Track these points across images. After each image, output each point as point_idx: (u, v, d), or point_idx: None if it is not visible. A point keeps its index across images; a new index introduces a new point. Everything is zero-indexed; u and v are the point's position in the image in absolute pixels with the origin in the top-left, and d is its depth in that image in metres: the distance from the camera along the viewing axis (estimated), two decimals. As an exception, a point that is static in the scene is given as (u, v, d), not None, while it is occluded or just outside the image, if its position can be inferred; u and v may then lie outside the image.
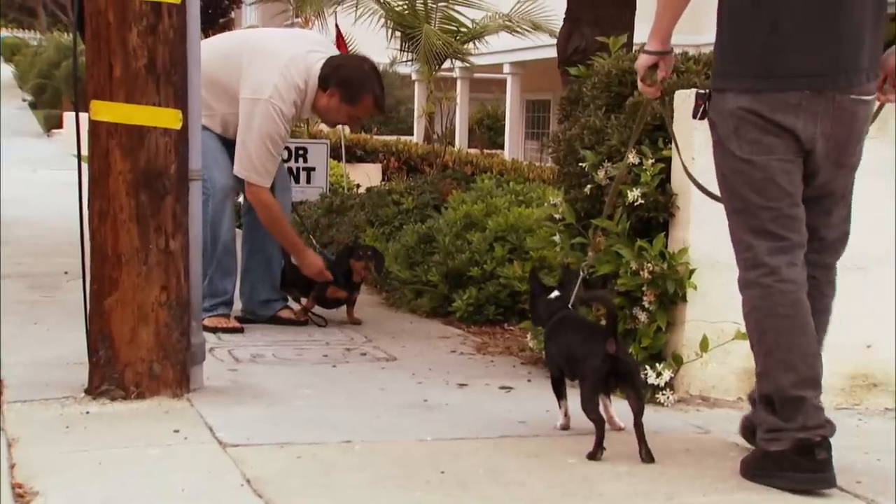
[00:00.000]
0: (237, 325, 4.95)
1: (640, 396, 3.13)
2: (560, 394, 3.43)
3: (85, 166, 3.66)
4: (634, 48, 4.48)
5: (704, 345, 3.77)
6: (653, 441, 3.34)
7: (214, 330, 4.78)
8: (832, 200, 3.00)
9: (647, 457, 3.09)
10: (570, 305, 3.42)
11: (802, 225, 2.93)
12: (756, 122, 2.87)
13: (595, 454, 3.11)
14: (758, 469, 2.92)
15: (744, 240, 2.96)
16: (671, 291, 3.77)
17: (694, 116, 3.04)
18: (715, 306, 3.81)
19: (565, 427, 3.43)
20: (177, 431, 3.24)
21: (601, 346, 3.07)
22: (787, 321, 2.87)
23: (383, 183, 10.04)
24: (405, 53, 11.19)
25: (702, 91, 3.06)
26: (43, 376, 3.84)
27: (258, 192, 4.87)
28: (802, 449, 2.84)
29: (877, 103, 2.97)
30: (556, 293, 3.49)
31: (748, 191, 2.92)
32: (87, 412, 3.43)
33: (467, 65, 12.79)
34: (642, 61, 3.15)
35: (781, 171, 2.89)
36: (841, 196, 3.01)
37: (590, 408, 3.13)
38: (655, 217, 3.87)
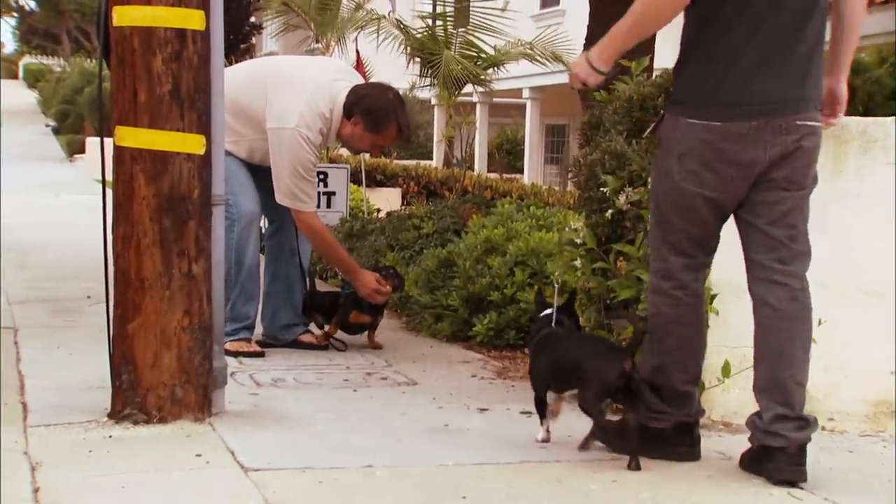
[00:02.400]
0: (258, 349, 4.96)
1: (643, 414, 3.29)
2: (543, 413, 3.58)
3: (109, 191, 3.69)
4: (655, 73, 4.49)
5: (726, 370, 3.75)
6: (674, 466, 3.33)
7: (236, 354, 4.79)
8: (791, 218, 3.20)
9: (635, 466, 3.29)
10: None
11: (713, 247, 3.32)
12: (702, 152, 3.14)
13: (587, 445, 3.34)
14: (635, 441, 3.31)
15: (661, 252, 3.32)
16: (692, 317, 3.75)
17: (648, 133, 3.36)
18: (736, 331, 3.79)
19: (546, 440, 3.56)
20: (199, 455, 3.25)
21: (618, 363, 3.21)
22: (689, 329, 3.33)
23: (403, 207, 10.06)
24: (425, 78, 11.24)
25: (661, 113, 3.31)
26: (66, 400, 3.85)
27: (305, 218, 4.89)
28: (684, 428, 3.37)
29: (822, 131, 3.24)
30: (546, 311, 3.66)
31: (674, 213, 3.25)
32: (110, 436, 3.44)
33: (487, 90, 12.83)
34: (592, 80, 3.29)
35: (706, 205, 3.20)
36: (799, 214, 3.22)
37: (594, 411, 3.31)
38: (677, 242, 3.85)
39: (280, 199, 4.87)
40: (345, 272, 5.19)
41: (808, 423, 3.18)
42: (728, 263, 3.78)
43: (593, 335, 3.91)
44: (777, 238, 3.19)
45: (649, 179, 3.76)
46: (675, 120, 3.19)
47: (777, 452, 3.16)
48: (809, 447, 3.21)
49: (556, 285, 3.88)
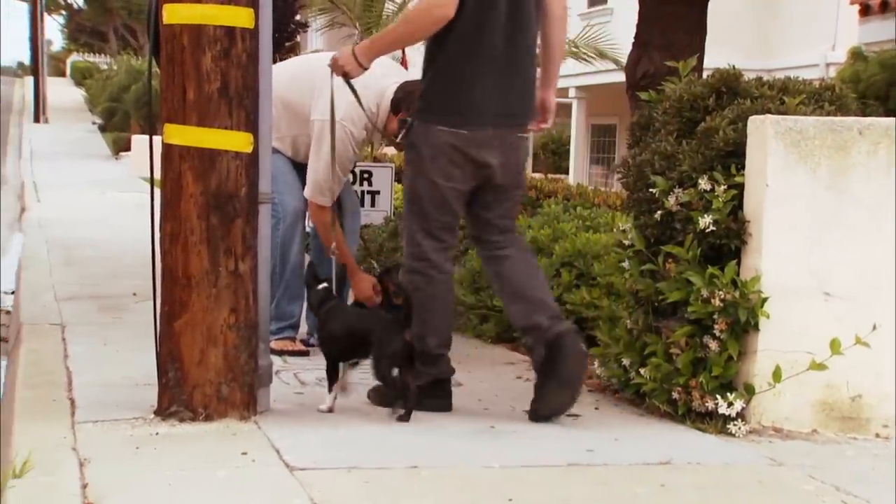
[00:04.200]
0: (303, 348, 4.99)
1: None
2: (333, 382, 3.90)
3: (156, 189, 3.73)
4: (706, 73, 4.46)
5: (777, 375, 3.72)
6: (723, 473, 3.31)
7: (280, 353, 4.82)
8: (507, 207, 4.01)
9: (406, 418, 3.75)
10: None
11: (457, 232, 4.02)
12: (451, 154, 3.82)
13: (407, 417, 3.75)
14: (414, 398, 3.81)
15: (416, 237, 3.93)
16: (743, 320, 3.73)
17: (400, 139, 3.94)
18: (788, 336, 3.76)
19: (330, 410, 3.86)
20: (244, 454, 3.27)
21: (401, 334, 3.74)
22: (441, 302, 3.94)
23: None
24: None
25: (407, 119, 3.96)
26: (113, 397, 3.90)
27: (320, 212, 4.90)
28: (438, 384, 3.95)
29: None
30: (324, 284, 4.06)
31: (429, 205, 3.88)
32: (157, 433, 3.48)
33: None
34: (354, 73, 3.97)
35: (455, 197, 3.89)
36: (513, 204, 4.05)
37: (389, 379, 3.77)
38: (727, 244, 3.83)
39: (305, 190, 4.89)
40: (348, 269, 5.12)
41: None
42: (779, 266, 3.76)
43: (372, 309, 4.31)
44: (503, 225, 4.00)
45: (700, 181, 3.75)
46: (426, 127, 3.84)
47: (565, 335, 3.84)
48: (863, 453, 3.18)
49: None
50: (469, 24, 3.77)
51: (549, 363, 3.83)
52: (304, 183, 4.95)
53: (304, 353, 4.93)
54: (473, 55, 3.79)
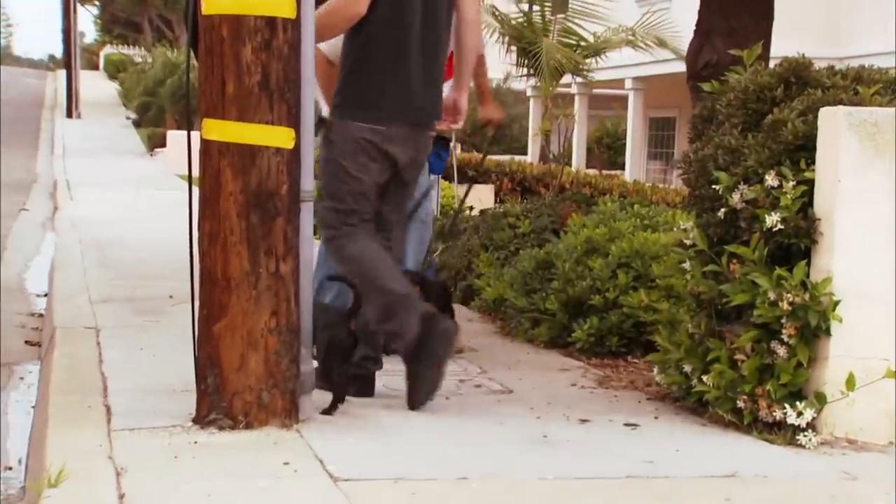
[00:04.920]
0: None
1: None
2: None
3: (194, 187, 3.76)
4: (773, 61, 4.42)
5: (850, 383, 3.68)
6: (793, 487, 3.28)
7: None
8: (399, 201, 4.34)
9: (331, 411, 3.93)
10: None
11: (371, 216, 4.22)
12: (368, 149, 4.08)
13: (330, 411, 3.90)
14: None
15: (331, 220, 4.17)
16: (813, 324, 3.69)
17: (315, 136, 4.05)
18: (862, 341, 3.72)
19: None
20: (286, 464, 3.29)
21: (347, 327, 3.95)
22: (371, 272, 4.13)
23: (497, 205, 10.05)
24: (521, 68, 11.23)
25: (323, 117, 4.24)
26: (150, 403, 3.94)
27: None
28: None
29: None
30: None
31: (346, 195, 4.13)
32: (195, 441, 3.51)
33: (586, 80, 12.74)
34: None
35: (371, 187, 4.15)
36: (405, 198, 4.41)
37: (337, 373, 3.96)
38: (796, 244, 3.80)
39: None
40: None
41: None
42: (852, 267, 3.72)
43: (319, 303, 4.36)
44: (393, 219, 4.30)
45: (766, 177, 3.72)
46: (343, 123, 4.10)
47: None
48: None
49: None
50: (382, 23, 4.03)
51: (419, 345, 4.08)
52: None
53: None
54: (388, 53, 4.06)
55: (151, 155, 23.27)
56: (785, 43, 6.09)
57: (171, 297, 6.41)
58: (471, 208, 10.16)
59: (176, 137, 20.92)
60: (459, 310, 6.64)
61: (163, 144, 22.79)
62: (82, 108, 30.35)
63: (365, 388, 4.26)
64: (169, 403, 3.92)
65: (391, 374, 4.74)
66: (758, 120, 4.07)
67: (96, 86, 36.96)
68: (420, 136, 4.22)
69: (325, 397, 4.13)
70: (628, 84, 21.82)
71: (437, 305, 5.04)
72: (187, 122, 3.85)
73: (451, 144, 5.66)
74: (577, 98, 22.12)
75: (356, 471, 3.25)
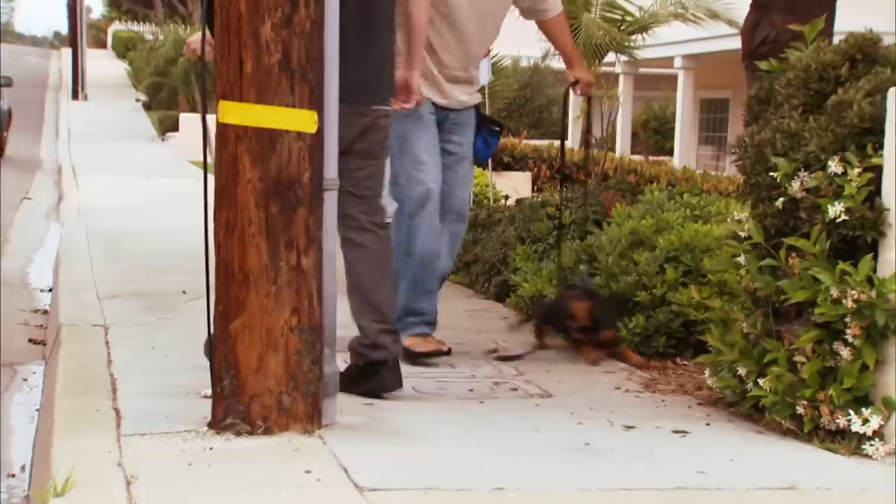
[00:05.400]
0: (440, 346, 5.00)
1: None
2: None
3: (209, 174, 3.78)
4: (836, 37, 4.39)
5: (920, 389, 3.66)
6: (857, 500, 3.26)
7: (415, 355, 4.90)
8: (360, 177, 4.35)
9: None
10: None
11: None
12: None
13: None
14: None
15: None
16: (881, 323, 3.67)
17: None
18: (933, 342, 3.69)
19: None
20: (308, 472, 3.30)
21: None
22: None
23: (535, 194, 10.05)
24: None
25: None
26: (162, 407, 3.96)
27: None
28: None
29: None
30: None
31: None
32: (211, 448, 3.52)
33: (632, 58, 12.69)
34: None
35: None
36: (366, 175, 4.38)
37: None
38: (861, 236, 3.77)
39: None
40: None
41: (399, 336, 4.46)
42: (923, 262, 3.69)
43: None
44: (363, 196, 4.35)
45: (829, 163, 3.70)
46: None
47: (381, 365, 4.29)
48: None
49: None
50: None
51: (359, 377, 4.31)
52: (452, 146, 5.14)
53: (441, 353, 4.98)
54: (347, 33, 4.03)
55: (163, 139, 23.42)
56: (850, 17, 6.05)
57: (184, 292, 6.44)
58: (506, 197, 10.17)
59: (189, 121, 21.04)
60: (493, 307, 6.66)
61: (175, 128, 22.94)
62: (89, 90, 30.56)
63: (379, 381, 4.31)
64: (183, 407, 3.94)
65: (420, 377, 4.76)
66: (820, 101, 4.05)
67: (104, 65, 37.19)
68: (366, 116, 4.28)
69: (350, 402, 4.15)
70: (678, 62, 21.72)
71: (606, 323, 5.20)
72: (202, 105, 3.87)
73: (501, 131, 5.62)
74: (621, 78, 22.05)
75: (383, 480, 3.25)
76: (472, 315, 6.36)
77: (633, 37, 11.25)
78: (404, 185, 4.99)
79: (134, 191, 13.78)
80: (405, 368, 4.87)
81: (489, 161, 10.35)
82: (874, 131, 3.81)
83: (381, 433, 3.81)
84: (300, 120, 3.65)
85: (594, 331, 5.20)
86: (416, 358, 4.91)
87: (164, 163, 17.96)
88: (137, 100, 30.43)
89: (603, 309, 5.27)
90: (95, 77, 32.23)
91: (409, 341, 4.89)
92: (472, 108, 5.33)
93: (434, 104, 5.13)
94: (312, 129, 3.68)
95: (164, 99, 28.19)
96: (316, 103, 3.69)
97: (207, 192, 3.85)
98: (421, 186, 5.01)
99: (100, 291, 6.58)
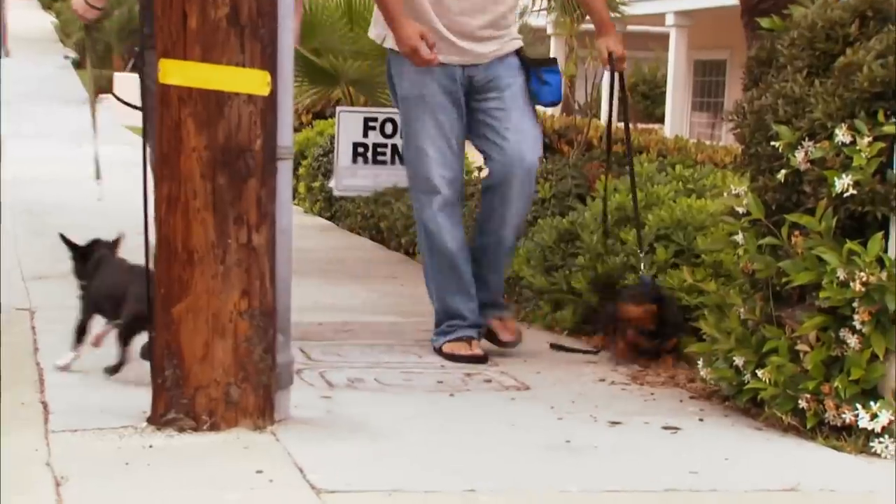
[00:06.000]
0: (480, 352, 4.95)
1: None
2: (80, 340, 4.42)
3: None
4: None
5: None
6: (865, 502, 3.30)
7: (452, 357, 4.91)
8: None
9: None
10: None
11: None
12: None
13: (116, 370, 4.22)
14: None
15: None
16: (892, 309, 3.70)
17: None
18: None
19: (66, 367, 4.36)
20: (260, 472, 3.31)
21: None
22: None
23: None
24: (539, 1, 11.21)
25: None
26: (96, 400, 3.96)
27: None
28: None
29: None
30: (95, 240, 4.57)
31: None
32: (150, 445, 3.52)
33: (619, 15, 12.70)
34: (89, 15, 5.21)
35: None
36: None
37: (123, 341, 4.23)
38: (871, 212, 3.80)
39: None
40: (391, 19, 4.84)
41: None
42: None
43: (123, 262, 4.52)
44: None
45: (836, 132, 3.73)
46: None
47: None
48: None
49: None
50: None
51: None
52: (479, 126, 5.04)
53: (482, 359, 4.91)
54: None
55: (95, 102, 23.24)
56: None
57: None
58: (479, 169, 10.18)
59: (125, 81, 20.85)
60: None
61: (110, 90, 22.77)
62: (11, 45, 30.28)
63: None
64: (119, 400, 3.94)
65: (384, 367, 4.77)
66: (827, 63, 4.06)
67: (27, 18, 36.83)
68: None
69: (306, 394, 4.15)
70: (669, 20, 21.75)
71: (674, 322, 4.97)
72: (140, 63, 3.85)
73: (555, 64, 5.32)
74: (607, 36, 22.01)
75: (343, 481, 3.27)
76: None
77: (620, -10, 11.24)
78: (411, 177, 5.05)
79: (64, 160, 13.70)
80: (366, 358, 4.90)
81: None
82: (886, 96, 3.83)
83: (341, 429, 3.82)
84: (251, 81, 3.64)
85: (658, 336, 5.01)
86: (461, 361, 4.90)
87: (98, 128, 17.79)
88: (66, 57, 30.14)
89: (670, 310, 5.02)
90: (17, 31, 31.93)
91: (449, 347, 4.95)
92: (509, 55, 5.04)
93: (445, 70, 4.92)
94: (265, 91, 3.67)
95: (96, 56, 27.99)
96: (268, 62, 3.68)
97: (147, 162, 3.83)
98: (425, 183, 5.00)
99: (25, 272, 6.56)
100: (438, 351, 4.98)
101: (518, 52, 5.08)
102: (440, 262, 5.04)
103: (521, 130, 5.00)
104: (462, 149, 5.10)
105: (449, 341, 4.97)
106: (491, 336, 5.14)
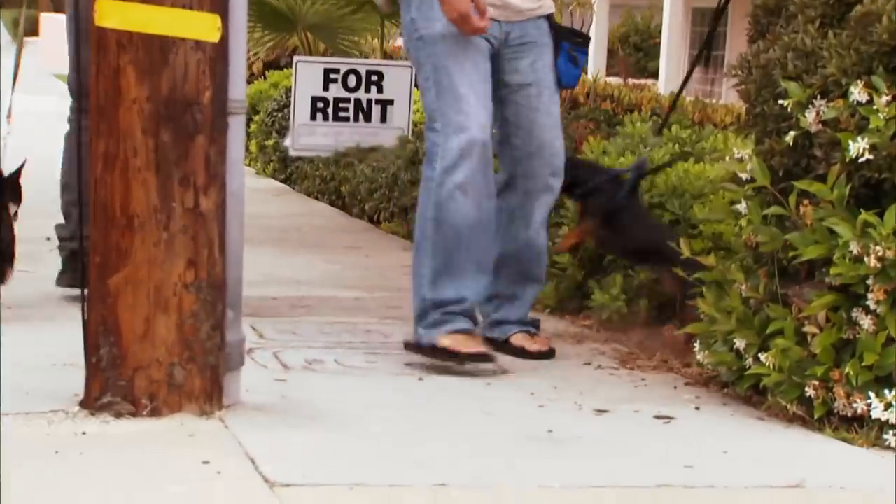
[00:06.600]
0: (483, 350, 4.61)
1: None
2: None
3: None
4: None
5: None
6: (877, 499, 3.33)
7: (453, 354, 4.55)
8: None
9: None
10: None
11: None
12: None
13: None
14: None
15: None
16: (909, 287, 3.73)
17: None
18: None
19: None
20: (206, 463, 3.31)
21: None
22: None
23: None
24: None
25: None
26: (23, 382, 3.94)
27: None
28: None
29: None
30: None
31: None
32: (84, 432, 3.52)
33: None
34: None
35: None
36: None
37: None
38: (889, 179, 3.82)
39: None
40: None
41: None
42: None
43: None
44: None
45: (851, 89, 3.74)
46: None
47: None
48: None
49: None
50: None
51: None
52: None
53: (486, 358, 4.57)
54: None
55: (20, 47, 23.07)
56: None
57: (48, 239, 6.39)
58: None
59: (54, 23, 20.72)
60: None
61: (36, 33, 22.62)
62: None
63: None
64: (49, 381, 3.93)
65: (346, 347, 4.78)
66: (842, 12, 4.07)
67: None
68: None
69: (258, 376, 4.15)
70: (665, -37, 21.74)
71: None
72: (72, 2, 3.83)
73: (587, 42, 5.14)
74: (596, -19, 22.03)
75: (299, 473, 3.27)
76: (411, 272, 6.35)
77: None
78: (439, 130, 4.61)
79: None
80: (325, 337, 4.90)
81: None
82: (909, 51, 3.85)
83: (298, 416, 3.83)
84: (199, 25, 3.63)
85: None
86: (461, 361, 4.52)
87: (22, 76, 17.69)
88: (-13, -3, 29.93)
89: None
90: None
91: (446, 340, 4.52)
92: (542, 18, 4.88)
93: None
94: (214, 36, 3.66)
95: (20, -5, 27.78)
96: (218, 4, 3.67)
97: (81, 116, 3.82)
98: (461, 134, 4.57)
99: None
100: (427, 348, 4.56)
101: (549, 18, 4.93)
102: (452, 235, 4.62)
103: (550, 112, 4.89)
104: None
105: (448, 333, 4.54)
106: (510, 349, 4.82)
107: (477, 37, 4.60)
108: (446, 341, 4.52)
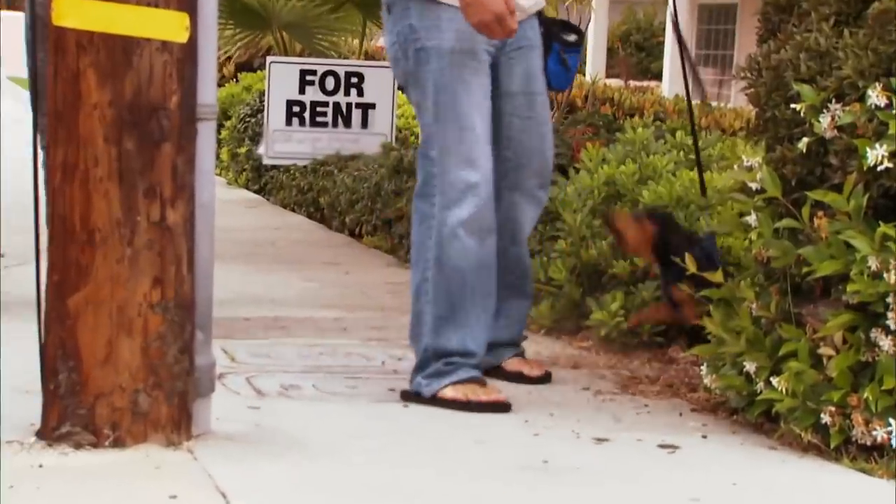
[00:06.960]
0: (502, 398, 4.48)
1: None
2: None
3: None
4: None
5: None
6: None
7: (468, 405, 4.43)
8: None
9: None
10: None
11: None
12: None
13: None
14: None
15: None
16: (932, 306, 3.74)
17: None
18: None
19: None
20: (174, 498, 3.31)
21: None
22: None
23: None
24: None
25: None
26: (-27, 409, 3.93)
27: None
28: None
29: None
30: None
31: None
32: (40, 465, 3.51)
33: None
34: None
35: None
36: None
37: None
38: (909, 190, 3.84)
39: None
40: None
41: None
42: None
43: None
44: None
45: (869, 93, 3.75)
46: None
47: None
48: None
49: None
50: None
51: None
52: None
53: (504, 407, 4.45)
54: None
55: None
56: None
57: (1, 256, 6.39)
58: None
59: (9, 22, 20.69)
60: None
61: (-11, 33, 22.63)
62: None
63: None
64: (2, 409, 3.91)
65: (325, 371, 4.77)
66: (859, 10, 4.09)
67: None
68: None
69: (230, 403, 4.14)
70: (669, -44, 21.81)
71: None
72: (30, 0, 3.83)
73: (581, 40, 5.08)
74: (594, -25, 22.11)
75: (274, 509, 3.28)
76: (395, 290, 6.37)
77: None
78: (435, 159, 4.52)
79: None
80: (302, 361, 4.90)
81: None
82: (928, 53, 3.87)
83: (273, 446, 3.82)
84: (166, 24, 3.63)
85: None
86: (472, 410, 4.40)
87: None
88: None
89: None
90: None
91: (451, 392, 4.42)
92: (533, 17, 4.79)
93: None
94: (182, 37, 3.66)
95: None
96: (186, 2, 3.67)
97: (37, 122, 3.81)
98: (465, 168, 4.48)
99: None
100: (432, 399, 4.43)
101: (539, 15, 4.87)
102: (456, 281, 4.52)
103: (542, 122, 4.85)
104: None
105: (454, 384, 4.43)
106: (504, 375, 4.78)
107: (482, 51, 4.51)
108: (452, 393, 4.43)
